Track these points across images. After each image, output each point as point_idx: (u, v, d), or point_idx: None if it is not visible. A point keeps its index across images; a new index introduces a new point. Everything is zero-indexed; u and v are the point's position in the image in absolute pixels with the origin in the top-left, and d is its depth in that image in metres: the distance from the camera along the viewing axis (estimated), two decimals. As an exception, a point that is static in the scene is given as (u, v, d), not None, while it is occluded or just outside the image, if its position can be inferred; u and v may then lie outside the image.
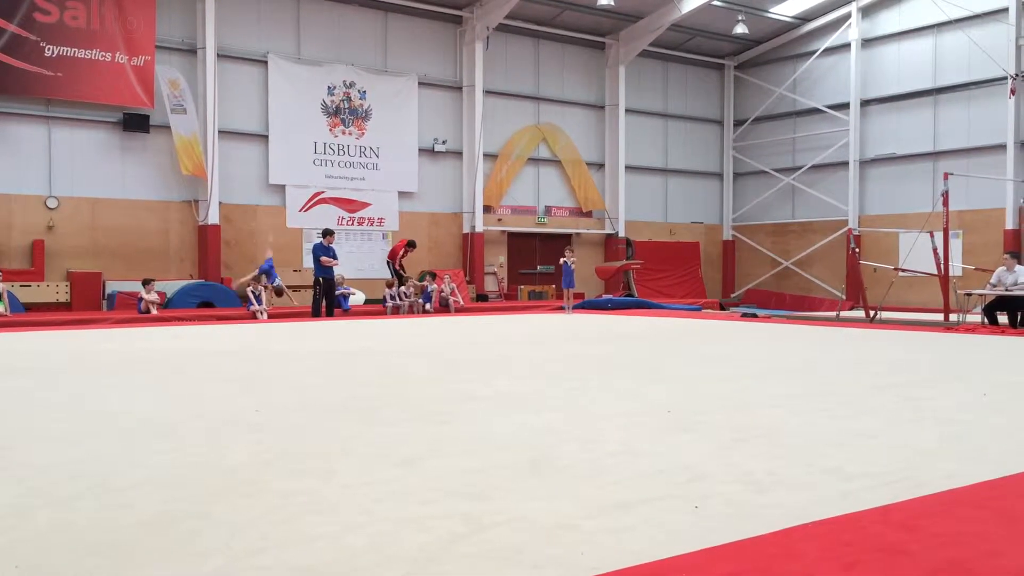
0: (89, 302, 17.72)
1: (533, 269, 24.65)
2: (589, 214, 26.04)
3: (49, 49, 17.64)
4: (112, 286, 18.03)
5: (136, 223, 19.04)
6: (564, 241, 25.80)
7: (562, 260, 18.44)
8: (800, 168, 26.92)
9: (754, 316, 17.14)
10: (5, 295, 15.56)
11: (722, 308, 23.10)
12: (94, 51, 18.14)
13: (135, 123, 18.69)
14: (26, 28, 17.39)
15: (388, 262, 20.45)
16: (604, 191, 26.14)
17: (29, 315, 16.02)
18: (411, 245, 20.32)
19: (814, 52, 26.41)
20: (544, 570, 2.66)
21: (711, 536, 2.93)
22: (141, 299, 16.74)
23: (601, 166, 26.21)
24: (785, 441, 4.60)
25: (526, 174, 24.95)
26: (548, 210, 25.32)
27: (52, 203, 18.10)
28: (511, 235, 24.72)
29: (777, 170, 27.61)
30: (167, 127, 18.96)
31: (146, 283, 16.93)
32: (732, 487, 3.62)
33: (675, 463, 4.05)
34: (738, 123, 28.81)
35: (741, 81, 28.75)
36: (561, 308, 19.51)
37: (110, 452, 4.35)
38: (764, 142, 28.11)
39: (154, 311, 16.59)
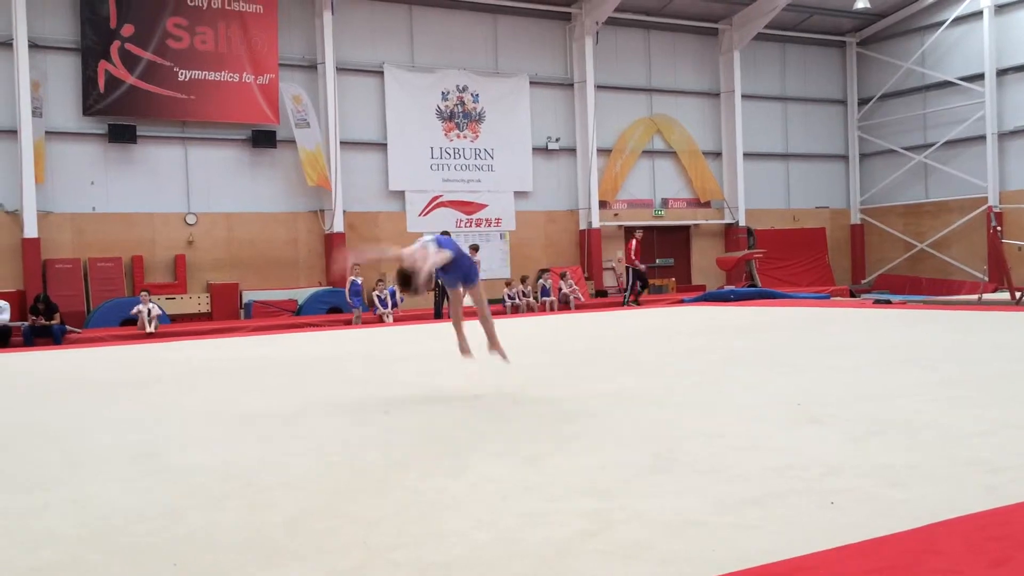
0: (228, 311, 18.67)
1: (652, 263, 24.39)
2: (707, 204, 25.54)
3: (182, 73, 18.69)
4: (248, 295, 18.94)
5: (267, 234, 19.94)
6: (683, 234, 25.38)
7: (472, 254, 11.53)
8: (932, 145, 25.57)
9: (887, 302, 16.40)
10: (155, 311, 16.51)
11: (852, 295, 22.21)
12: (222, 73, 19.10)
13: (263, 139, 19.58)
14: (160, 55, 18.48)
15: (628, 268, 19.70)
16: (722, 180, 25.58)
17: (174, 326, 17.02)
18: (636, 235, 20.02)
19: (943, 23, 25.02)
20: (672, 566, 2.64)
21: (847, 533, 2.84)
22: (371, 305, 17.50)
23: (718, 155, 25.66)
24: (924, 433, 4.40)
25: (641, 167, 24.70)
26: (665, 202, 24.99)
27: (191, 219, 19.18)
28: (628, 230, 24.49)
29: (907, 148, 26.32)
30: (292, 141, 19.76)
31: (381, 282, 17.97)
32: (868, 481, 3.49)
33: (806, 457, 3.94)
34: (863, 101, 27.61)
35: (864, 58, 27.55)
36: (632, 304, 18.70)
37: (252, 454, 4.58)
38: (892, 120, 26.84)
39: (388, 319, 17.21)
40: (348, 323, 17.00)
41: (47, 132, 17.60)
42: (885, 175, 27.16)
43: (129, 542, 3.11)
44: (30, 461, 4.63)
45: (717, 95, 25.54)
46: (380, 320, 17.40)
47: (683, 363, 8.11)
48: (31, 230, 17.12)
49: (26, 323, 15.23)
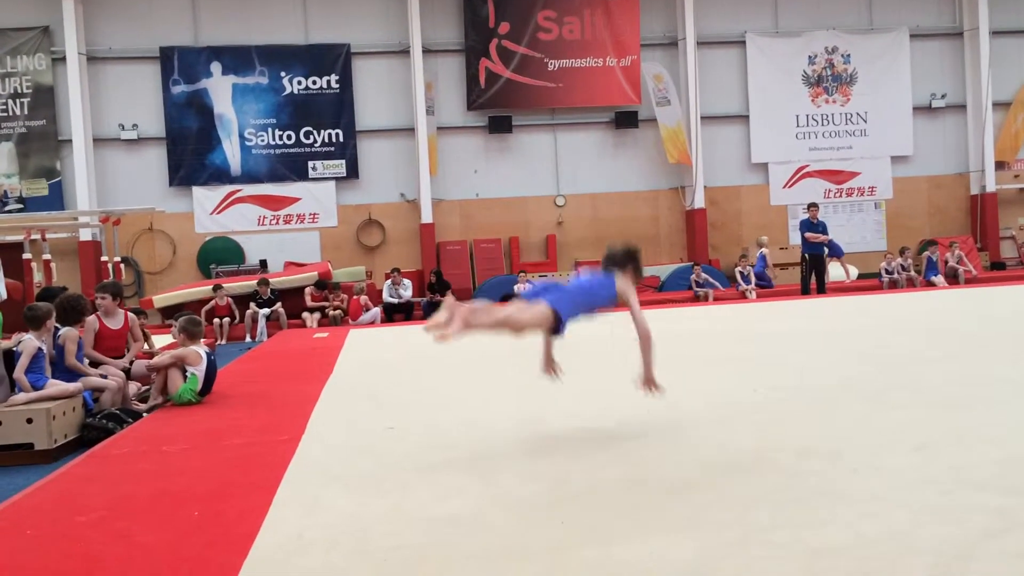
0: (594, 288, 19.50)
1: None
2: None
3: (551, 64, 19.82)
4: (612, 272, 19.62)
5: (630, 213, 20.47)
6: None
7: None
8: None
9: None
10: (526, 286, 17.83)
11: None
12: (587, 59, 19.93)
13: (625, 120, 20.11)
14: (532, 48, 19.76)
15: None
16: None
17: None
18: None
19: None
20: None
21: None
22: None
23: None
24: None
25: (1049, 120, 21.39)
26: (1082, 159, 21.41)
27: (560, 201, 20.32)
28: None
29: None
30: (653, 120, 20.05)
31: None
32: None
33: None
34: None
35: None
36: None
37: (641, 432, 4.78)
38: None
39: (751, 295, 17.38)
40: (705, 298, 16.94)
41: (438, 128, 19.68)
42: None
43: (520, 498, 3.43)
44: (436, 425, 5.26)
45: None
46: (743, 296, 17.09)
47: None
48: (427, 216, 19.33)
49: (424, 299, 17.23)
